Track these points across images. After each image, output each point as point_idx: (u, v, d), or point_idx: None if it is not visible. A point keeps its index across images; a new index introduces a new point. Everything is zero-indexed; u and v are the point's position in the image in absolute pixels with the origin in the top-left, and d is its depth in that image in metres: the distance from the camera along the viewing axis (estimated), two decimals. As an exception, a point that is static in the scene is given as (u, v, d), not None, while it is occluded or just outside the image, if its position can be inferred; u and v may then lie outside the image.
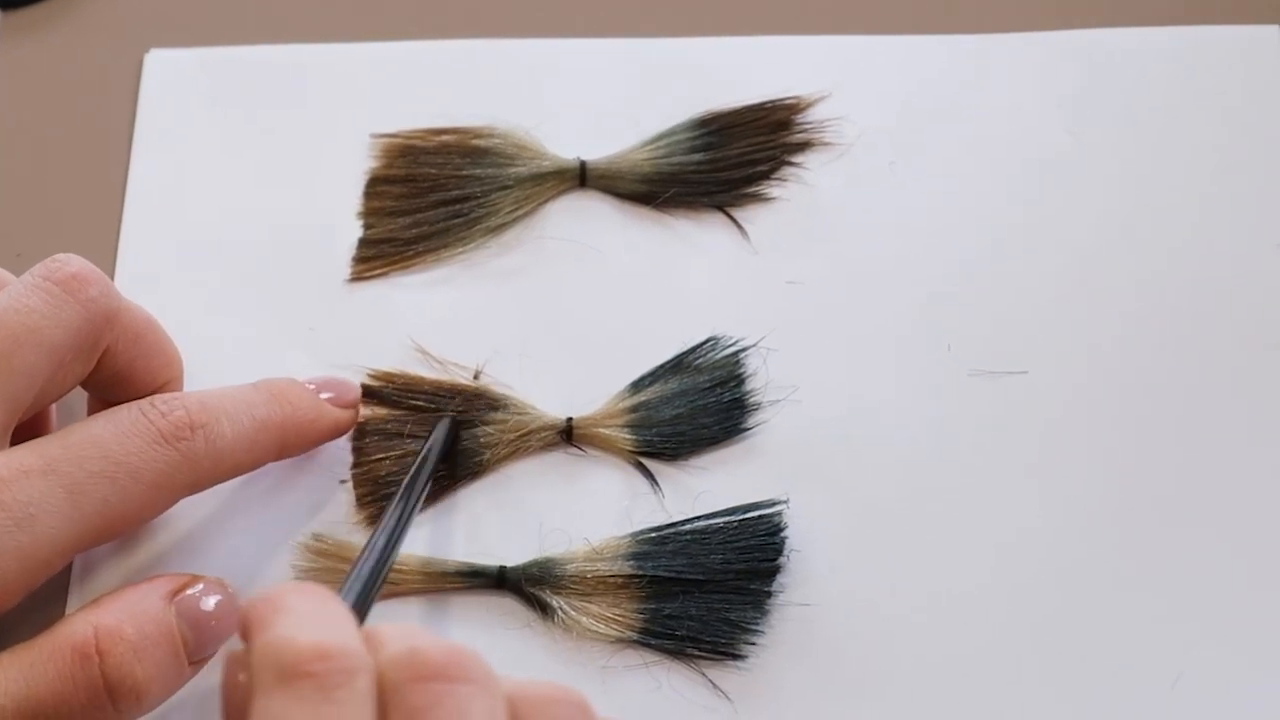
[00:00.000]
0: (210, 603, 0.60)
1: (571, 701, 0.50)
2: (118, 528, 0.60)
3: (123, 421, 0.60)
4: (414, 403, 0.66)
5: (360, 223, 0.69)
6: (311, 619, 0.50)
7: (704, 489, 0.64)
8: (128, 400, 0.63)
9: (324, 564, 0.64)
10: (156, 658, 0.58)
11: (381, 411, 0.66)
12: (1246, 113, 0.67)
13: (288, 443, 0.63)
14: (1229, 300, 0.65)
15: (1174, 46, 0.69)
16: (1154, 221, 0.66)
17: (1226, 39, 0.68)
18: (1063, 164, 0.67)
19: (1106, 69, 0.69)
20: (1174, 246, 0.66)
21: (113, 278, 0.68)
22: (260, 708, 0.48)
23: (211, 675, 0.59)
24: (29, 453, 0.58)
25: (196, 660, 0.60)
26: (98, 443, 0.59)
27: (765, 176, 0.69)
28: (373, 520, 0.65)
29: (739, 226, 0.68)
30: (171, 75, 0.72)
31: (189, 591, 0.60)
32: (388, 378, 0.66)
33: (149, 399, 0.60)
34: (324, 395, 0.64)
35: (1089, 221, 0.67)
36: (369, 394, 0.66)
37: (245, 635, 0.50)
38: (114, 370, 0.62)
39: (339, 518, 0.65)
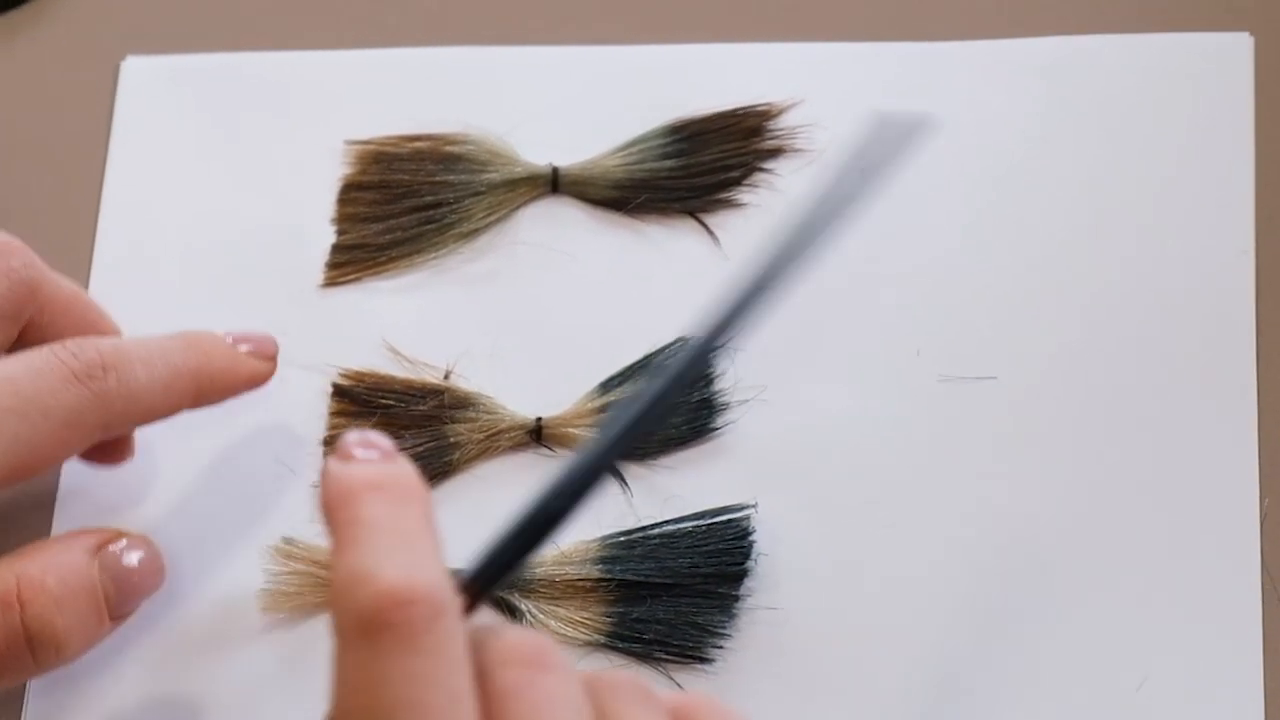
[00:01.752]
0: (133, 558, 0.61)
1: (638, 685, 0.51)
2: (30, 464, 0.60)
3: (34, 360, 0.60)
4: (384, 402, 0.66)
5: (334, 228, 0.70)
6: (390, 539, 0.49)
7: (672, 489, 0.64)
8: None
9: (295, 567, 0.64)
10: (77, 609, 0.59)
11: (351, 409, 0.66)
12: (1216, 120, 0.67)
13: (203, 390, 0.63)
14: (1197, 305, 0.65)
15: (1144, 53, 0.69)
16: (1122, 227, 0.66)
17: (1197, 46, 0.68)
18: (1032, 170, 0.67)
19: (1077, 76, 0.69)
20: (1143, 252, 0.66)
21: (88, 282, 0.69)
22: (344, 662, 0.48)
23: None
24: None
25: (117, 615, 0.60)
26: (10, 379, 0.59)
27: (737, 183, 0.69)
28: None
29: (710, 233, 0.68)
30: (147, 82, 0.72)
31: (112, 547, 0.60)
32: (358, 377, 0.67)
33: (60, 341, 0.61)
34: (243, 347, 0.64)
35: (1058, 227, 0.67)
36: (340, 393, 0.66)
37: (329, 516, 0.50)
38: (42, 341, 0.62)
39: (307, 520, 0.65)
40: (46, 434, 0.59)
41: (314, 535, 0.65)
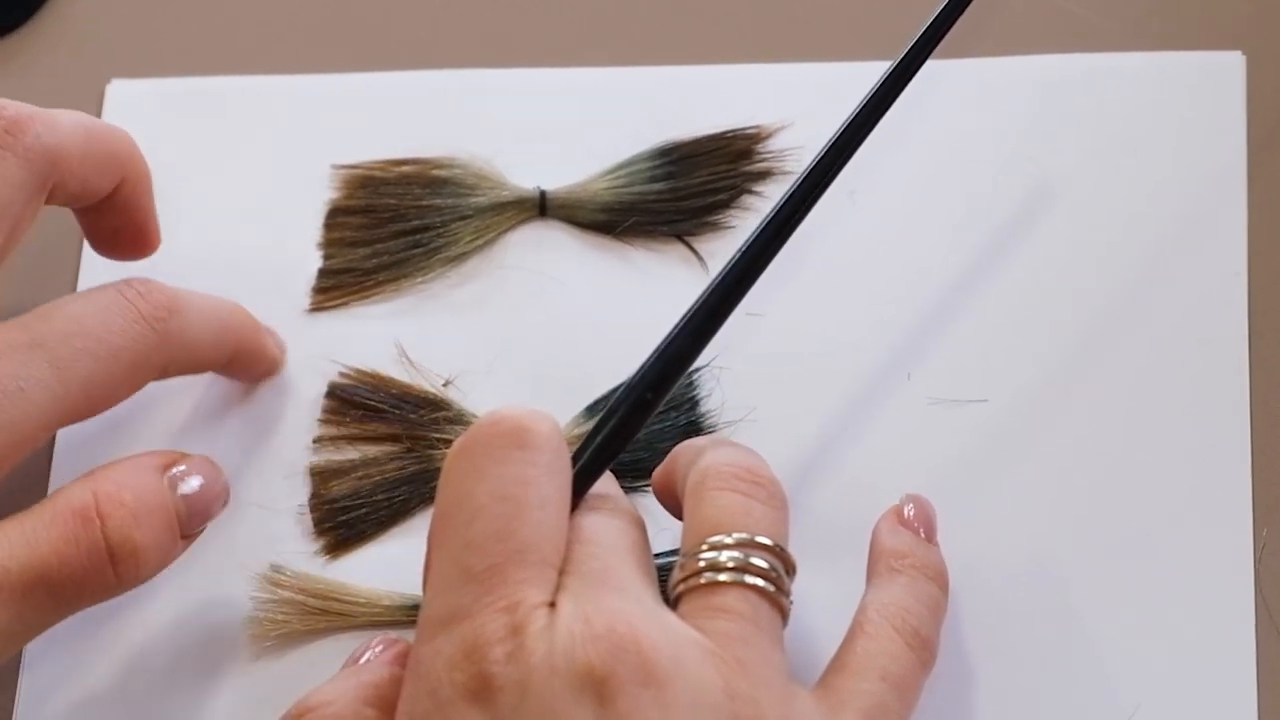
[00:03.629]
0: (198, 480, 0.61)
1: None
2: (98, 405, 0.61)
3: (102, 301, 0.61)
4: (378, 405, 0.66)
5: (320, 253, 0.69)
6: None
7: (665, 515, 0.63)
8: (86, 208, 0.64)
9: (283, 595, 0.64)
10: (154, 524, 0.59)
11: (338, 434, 0.66)
12: (1208, 140, 0.67)
13: (238, 355, 0.65)
14: (1189, 327, 0.64)
15: (1137, 72, 0.68)
16: (1115, 248, 0.66)
17: (1189, 65, 0.68)
18: (1024, 191, 0.67)
19: (1069, 95, 0.68)
20: (1134, 273, 0.65)
21: (73, 307, 0.69)
22: (454, 469, 0.55)
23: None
24: (14, 329, 0.59)
25: (186, 535, 0.61)
26: (81, 320, 0.60)
27: (726, 206, 0.68)
28: (331, 549, 0.65)
29: (699, 256, 0.68)
30: (133, 106, 0.72)
31: (176, 468, 0.61)
32: (359, 376, 0.67)
33: (125, 280, 0.62)
34: None
35: (1050, 249, 0.66)
36: (334, 395, 0.67)
37: None
38: (68, 194, 0.63)
39: (296, 548, 0.65)
40: (116, 375, 0.60)
41: (301, 562, 0.65)
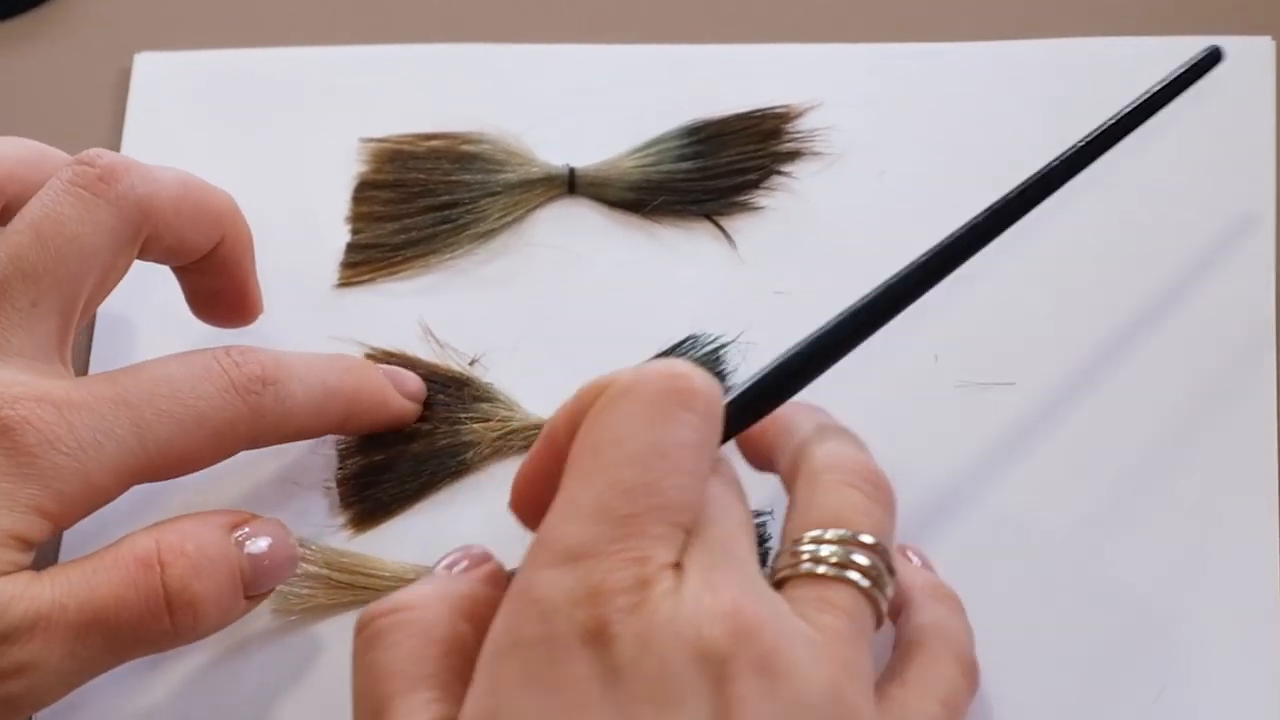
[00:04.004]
0: (265, 542, 0.60)
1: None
2: (176, 469, 0.60)
3: (196, 365, 0.60)
4: None
5: (348, 228, 0.69)
6: None
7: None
8: (184, 265, 0.64)
9: (308, 570, 0.64)
10: (215, 578, 0.59)
11: None
12: (1237, 125, 0.67)
13: (351, 417, 0.64)
14: (1216, 311, 0.65)
15: (1167, 57, 0.68)
16: (1142, 232, 0.66)
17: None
18: (1050, 174, 0.67)
19: (1098, 78, 0.68)
20: (1163, 258, 0.66)
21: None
22: (617, 412, 0.54)
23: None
24: (103, 382, 0.59)
25: (252, 595, 0.60)
26: (170, 383, 0.60)
27: (754, 185, 0.68)
28: (356, 523, 0.65)
29: (727, 236, 0.68)
30: (160, 78, 0.72)
31: (247, 527, 0.60)
32: (386, 356, 0.67)
33: (224, 347, 0.61)
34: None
35: (1077, 233, 0.66)
36: None
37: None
38: (164, 249, 0.62)
39: (322, 522, 0.65)
40: (199, 442, 0.60)
41: (327, 536, 0.65)
